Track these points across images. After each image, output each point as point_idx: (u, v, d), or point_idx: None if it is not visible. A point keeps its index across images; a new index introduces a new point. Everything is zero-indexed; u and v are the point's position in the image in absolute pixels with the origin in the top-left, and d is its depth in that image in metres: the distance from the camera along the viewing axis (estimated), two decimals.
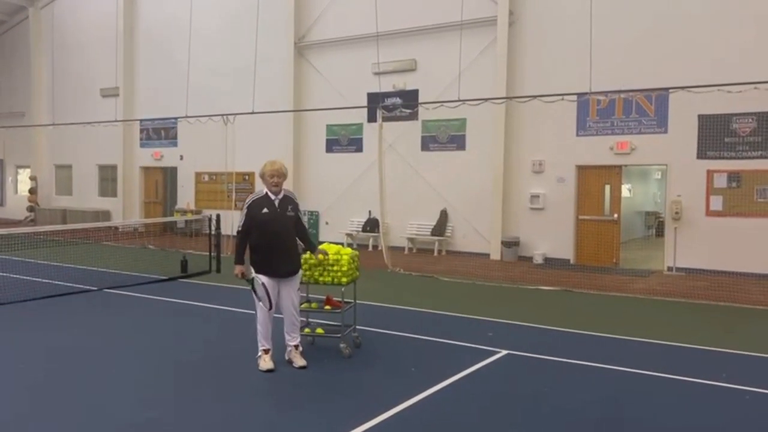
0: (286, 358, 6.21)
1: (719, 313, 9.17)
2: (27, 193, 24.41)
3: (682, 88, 11.66)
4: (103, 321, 8.28)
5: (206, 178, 20.19)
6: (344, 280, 6.60)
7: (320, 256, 6.51)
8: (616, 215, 14.11)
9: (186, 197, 20.56)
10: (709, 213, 12.93)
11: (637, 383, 5.85)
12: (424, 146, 16.28)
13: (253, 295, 6.07)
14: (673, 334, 7.72)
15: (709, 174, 12.90)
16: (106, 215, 21.79)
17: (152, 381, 5.78)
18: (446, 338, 7.38)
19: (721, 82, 11.42)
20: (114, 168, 22.23)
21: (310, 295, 6.96)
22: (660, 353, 6.93)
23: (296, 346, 6.24)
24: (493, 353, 6.73)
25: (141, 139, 21.74)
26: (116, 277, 11.59)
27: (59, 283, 10.73)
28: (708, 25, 12.73)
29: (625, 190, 18.86)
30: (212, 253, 12.59)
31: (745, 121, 12.53)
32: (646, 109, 13.41)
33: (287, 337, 6.24)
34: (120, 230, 20.52)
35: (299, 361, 6.15)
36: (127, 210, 21.77)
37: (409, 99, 16.18)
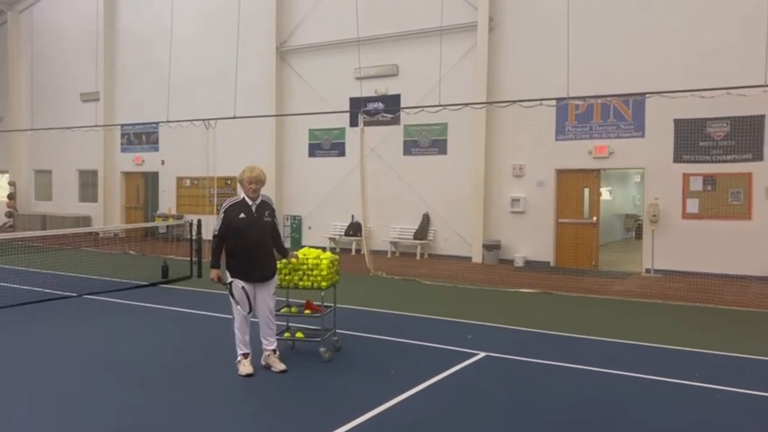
0: (263, 363, 6.23)
1: (694, 314, 9.35)
2: (5, 199, 24.11)
3: (658, 93, 11.88)
4: (82, 326, 8.24)
5: (188, 183, 20.12)
6: (324, 284, 6.65)
7: (293, 260, 6.56)
8: (594, 218, 14.31)
9: (167, 202, 20.47)
10: (686, 216, 13.16)
11: (612, 384, 5.97)
12: (407, 150, 16.38)
13: (231, 300, 6.10)
14: (649, 335, 7.86)
15: (685, 177, 13.14)
16: (86, 221, 21.61)
17: (131, 386, 5.78)
18: (426, 341, 7.44)
19: (695, 88, 11.65)
20: (94, 173, 22.07)
21: (290, 300, 7.00)
22: (636, 354, 7.05)
23: (274, 351, 6.28)
24: (472, 355, 6.81)
25: (122, 144, 21.61)
26: (96, 282, 11.52)
27: (38, 289, 10.65)
28: (683, 32, 12.97)
29: (606, 193, 19.13)
30: (193, 259, 12.56)
31: (719, 125, 12.78)
32: (623, 114, 13.63)
33: (264, 341, 6.28)
34: (101, 236, 20.36)
35: (278, 365, 6.18)
36: (107, 215, 21.61)
37: (391, 104, 16.28)
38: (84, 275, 12.35)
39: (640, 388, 5.84)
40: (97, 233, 20.25)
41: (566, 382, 6.01)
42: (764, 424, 5.01)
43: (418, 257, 15.83)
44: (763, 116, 12.35)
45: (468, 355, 6.83)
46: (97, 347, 7.19)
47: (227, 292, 6.17)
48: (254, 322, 6.27)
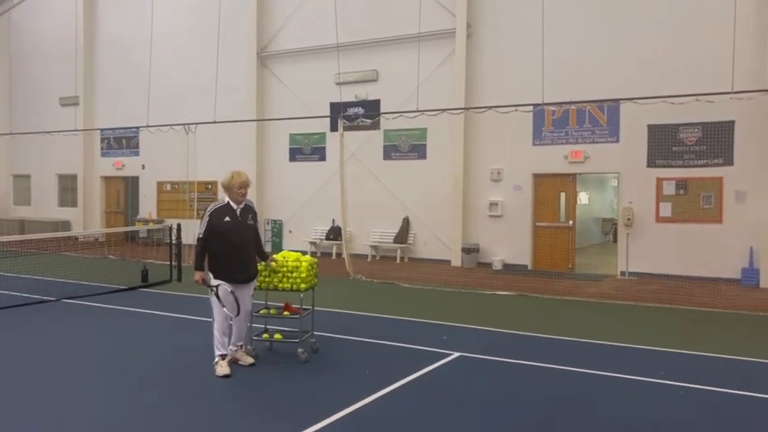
0: (230, 357, 6.34)
1: (665, 316, 9.58)
2: None
3: (631, 99, 12.15)
4: (61, 330, 8.26)
5: (168, 187, 20.09)
6: (303, 286, 6.77)
7: (273, 264, 6.70)
8: (571, 222, 14.56)
9: (148, 207, 20.41)
10: (659, 219, 13.46)
11: (583, 382, 6.14)
12: (387, 155, 16.54)
13: (215, 301, 6.21)
14: (620, 335, 8.07)
15: (659, 181, 13.44)
16: (65, 225, 21.46)
17: (110, 389, 5.83)
18: (402, 342, 7.58)
19: (668, 94, 11.94)
20: (74, 177, 21.93)
21: (268, 302, 7.09)
22: (606, 354, 7.25)
23: (241, 346, 6.51)
24: (446, 355, 6.95)
25: (102, 149, 21.52)
26: (75, 287, 11.50)
27: (16, 293, 10.61)
28: (656, 39, 13.28)
29: (584, 198, 19.44)
30: (173, 263, 12.59)
31: (691, 130, 13.10)
32: (598, 120, 13.91)
33: (235, 338, 6.49)
34: (80, 240, 20.24)
35: (247, 359, 6.43)
36: (87, 220, 21.49)
37: (371, 109, 16.44)
38: (63, 280, 12.31)
39: (609, 386, 6.02)
40: (76, 238, 20.13)
41: (538, 381, 6.17)
42: (723, 419, 5.20)
43: (398, 261, 15.97)
44: (732, 122, 12.69)
45: (442, 355, 6.97)
46: (73, 350, 7.23)
47: (210, 295, 6.28)
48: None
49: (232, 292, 6.17)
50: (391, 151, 16.47)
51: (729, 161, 12.80)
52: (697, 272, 12.79)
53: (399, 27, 15.89)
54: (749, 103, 12.06)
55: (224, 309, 6.17)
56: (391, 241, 16.27)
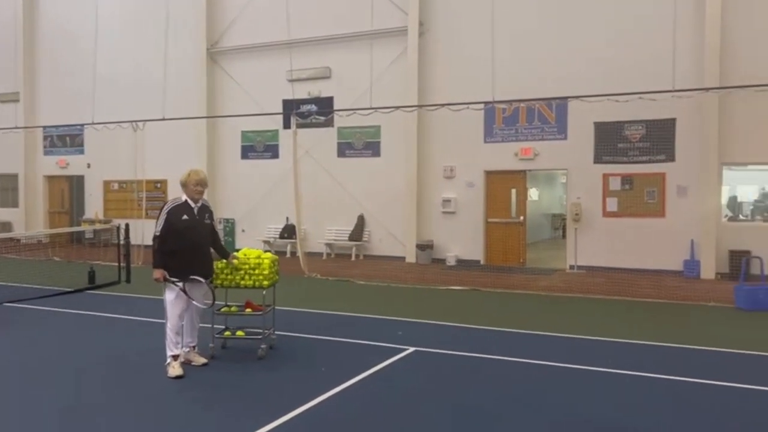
0: (182, 359, 6.25)
1: (612, 307, 9.90)
2: None
3: (578, 97, 12.47)
4: (1, 335, 7.94)
5: (116, 186, 19.56)
6: (266, 283, 6.74)
7: (234, 261, 6.64)
8: (522, 218, 14.85)
9: (94, 206, 19.81)
10: (606, 214, 13.88)
11: (533, 372, 6.29)
12: (341, 153, 16.52)
13: (169, 300, 6.12)
14: (569, 327, 8.30)
15: (605, 177, 13.85)
16: (6, 226, 20.62)
17: (58, 392, 5.65)
18: (357, 339, 7.60)
19: (613, 92, 12.30)
20: (15, 177, 21.09)
21: (229, 301, 7.02)
22: (556, 345, 7.45)
23: (194, 347, 6.45)
24: (401, 350, 7.01)
25: (45, 147, 20.77)
26: (18, 290, 11.06)
27: None
28: (602, 39, 13.66)
29: (534, 194, 19.86)
30: (121, 264, 12.27)
31: (635, 128, 13.54)
32: (547, 117, 14.24)
33: (187, 338, 6.39)
34: (22, 242, 19.46)
35: (199, 359, 6.38)
36: (30, 221, 20.71)
37: (325, 106, 16.38)
38: (3, 283, 11.83)
39: (558, 375, 6.19)
40: (18, 239, 19.36)
41: (489, 373, 6.30)
42: (663, 404, 5.41)
43: (353, 258, 15.97)
44: (674, 119, 13.17)
45: (397, 350, 7.02)
46: (16, 354, 6.97)
47: (163, 295, 6.19)
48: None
49: (184, 290, 6.10)
50: (345, 149, 16.46)
51: (671, 157, 13.29)
52: (642, 265, 13.26)
53: (352, 24, 15.89)
54: (689, 101, 12.57)
55: (194, 302, 6.19)
56: (347, 238, 16.26)
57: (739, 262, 10.87)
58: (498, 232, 14.92)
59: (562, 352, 7.07)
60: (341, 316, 9.12)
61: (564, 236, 19.12)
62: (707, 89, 12.18)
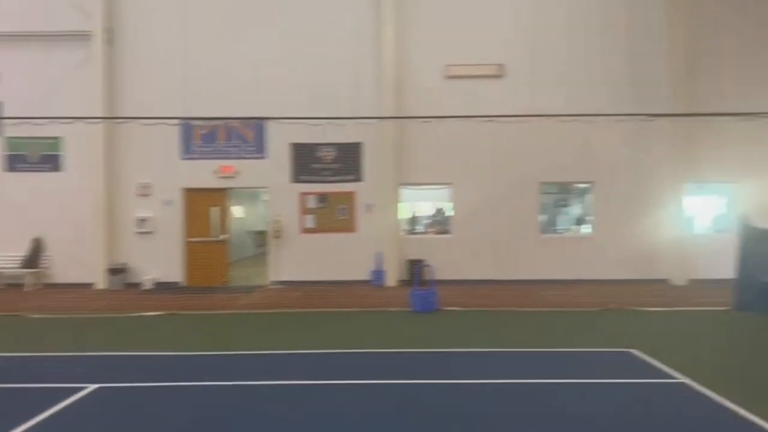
0: None
1: (307, 318, 10.35)
2: None
3: (274, 118, 12.88)
4: None
5: None
6: None
7: None
8: (223, 236, 14.69)
9: None
10: (304, 230, 14.55)
11: (235, 395, 6.19)
12: (11, 166, 14.32)
13: None
14: (265, 343, 8.42)
15: (302, 196, 14.52)
16: None
17: None
18: (25, 383, 6.57)
19: (306, 116, 13.01)
20: None
21: None
22: (259, 363, 7.46)
23: None
24: (80, 389, 6.27)
25: None
26: None
27: None
28: (296, 64, 14.33)
29: (238, 211, 19.85)
30: None
31: (327, 150, 14.49)
32: (245, 137, 14.38)
33: None
34: None
35: None
36: None
37: None
38: None
39: (259, 393, 6.19)
40: None
41: (180, 401, 6.00)
42: (366, 412, 5.82)
43: (28, 288, 13.88)
44: (360, 143, 14.45)
45: (75, 390, 6.26)
46: None
47: None
48: None
49: None
50: (16, 162, 14.29)
51: (359, 177, 14.55)
52: (337, 276, 14.21)
53: (21, 22, 13.94)
54: (371, 128, 13.95)
55: None
56: (19, 265, 14.07)
57: (415, 270, 12.35)
58: (199, 251, 14.50)
59: (255, 370, 7.10)
60: (6, 358, 7.80)
61: (267, 253, 19.54)
62: (384, 118, 13.68)
